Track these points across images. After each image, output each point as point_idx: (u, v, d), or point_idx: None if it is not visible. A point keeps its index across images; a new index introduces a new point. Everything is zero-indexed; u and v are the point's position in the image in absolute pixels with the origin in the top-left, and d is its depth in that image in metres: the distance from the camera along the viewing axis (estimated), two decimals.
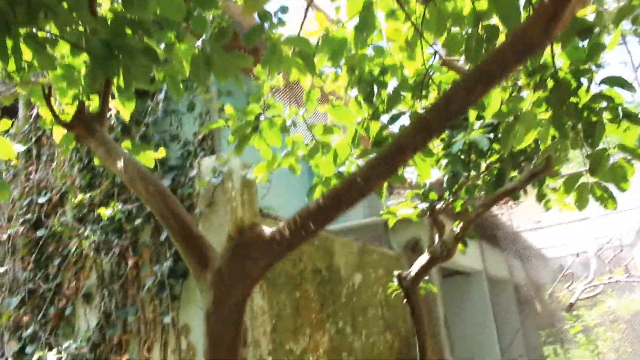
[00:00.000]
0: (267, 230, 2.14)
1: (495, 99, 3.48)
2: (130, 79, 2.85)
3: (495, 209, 11.72)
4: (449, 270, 10.68)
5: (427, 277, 7.41)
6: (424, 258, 6.71)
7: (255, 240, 2.13)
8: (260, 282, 5.09)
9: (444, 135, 6.44)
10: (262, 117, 3.76)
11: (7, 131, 7.11)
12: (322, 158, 3.63)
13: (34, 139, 6.96)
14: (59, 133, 3.79)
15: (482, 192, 6.39)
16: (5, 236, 6.80)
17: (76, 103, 3.41)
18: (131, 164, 2.78)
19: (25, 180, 6.87)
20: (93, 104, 3.48)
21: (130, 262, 5.48)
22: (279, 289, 5.35)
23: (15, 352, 6.17)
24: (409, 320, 7.37)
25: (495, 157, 6.03)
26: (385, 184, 6.21)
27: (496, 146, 6.06)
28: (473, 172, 6.37)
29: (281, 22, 2.97)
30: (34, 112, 7.09)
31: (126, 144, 3.69)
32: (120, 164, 2.81)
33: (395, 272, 6.91)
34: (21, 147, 6.88)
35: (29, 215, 6.58)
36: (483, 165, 6.15)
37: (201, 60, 3.01)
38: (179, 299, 5.16)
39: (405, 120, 3.47)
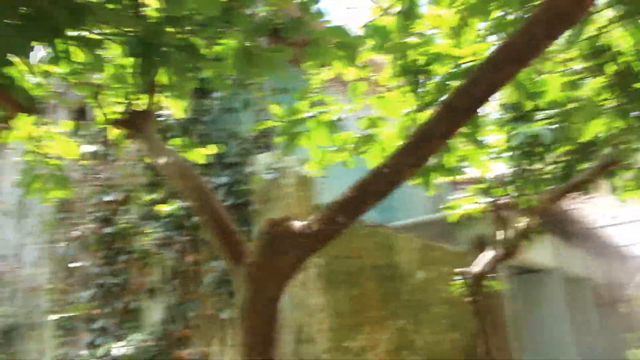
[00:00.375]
0: (297, 224, 2.10)
1: (554, 85, 3.29)
2: (172, 75, 2.88)
3: (570, 204, 11.20)
4: (520, 268, 10.27)
5: (492, 275, 7.16)
6: (487, 255, 6.48)
7: (284, 234, 2.09)
8: (317, 279, 5.06)
9: (507, 128, 6.20)
10: (309, 115, 3.71)
11: (77, 132, 7.43)
12: (370, 151, 3.55)
13: (101, 140, 7.23)
14: (113, 132, 3.91)
15: (550, 186, 6.10)
16: (78, 233, 7.11)
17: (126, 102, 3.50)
18: (173, 160, 2.81)
19: (95, 179, 7.15)
20: (142, 102, 3.55)
21: (190, 259, 5.59)
22: (337, 286, 5.30)
23: (87, 343, 6.45)
24: (477, 321, 7.15)
25: (562, 148, 5.73)
26: (448, 179, 6.04)
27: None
28: (538, 165, 6.09)
29: (319, 14, 2.92)
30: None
31: (176, 141, 3.75)
32: (163, 160, 2.85)
33: (459, 270, 6.72)
34: (90, 148, 7.17)
35: (98, 213, 6.85)
36: (549, 158, 5.87)
37: (242, 56, 3.00)
38: (235, 295, 5.21)
39: None
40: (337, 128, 3.66)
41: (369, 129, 3.46)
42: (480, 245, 8.65)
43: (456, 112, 1.64)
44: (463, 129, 3.34)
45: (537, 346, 10.14)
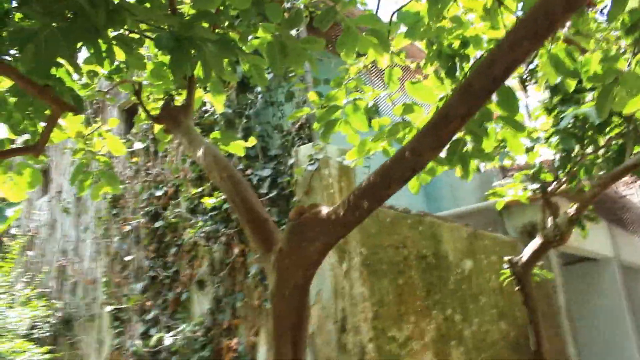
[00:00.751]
0: (324, 211, 2.12)
1: (594, 60, 3.19)
2: (208, 69, 2.95)
3: (625, 189, 10.82)
4: (573, 257, 10.01)
5: (542, 263, 7.01)
6: (536, 242, 6.34)
7: (311, 221, 2.12)
8: (360, 268, 5.08)
9: (555, 113, 6.06)
10: (345, 102, 3.73)
11: (128, 131, 7.65)
12: (407, 137, 3.53)
13: (151, 137, 7.44)
14: (157, 127, 4.03)
15: (602, 171, 5.92)
16: (130, 228, 7.36)
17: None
18: (209, 152, 2.88)
19: (145, 175, 7.37)
20: (181, 97, 3.65)
21: (236, 250, 5.70)
22: (381, 275, 5.31)
23: (140, 333, 6.68)
24: (527, 310, 7.00)
25: (615, 131, 5.55)
26: (488, 164, 5.95)
27: (616, 119, 5.57)
28: (589, 149, 5.92)
29: (352, 2, 2.93)
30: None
31: (215, 134, 3.84)
32: (199, 152, 2.93)
33: (506, 258, 6.61)
34: (140, 145, 7.39)
35: (148, 208, 7.06)
36: (601, 141, 5.69)
37: (276, 48, 3.04)
38: None
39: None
40: (374, 114, 3.66)
41: (404, 115, 3.44)
42: (530, 233, 8.48)
43: (475, 93, 1.63)
44: (500, 112, 3.29)
45: (592, 339, 9.86)
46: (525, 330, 7.33)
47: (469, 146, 3.35)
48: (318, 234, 2.08)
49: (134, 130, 7.86)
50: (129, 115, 8.42)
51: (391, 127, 3.49)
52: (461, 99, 1.66)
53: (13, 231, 10.72)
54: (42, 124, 3.88)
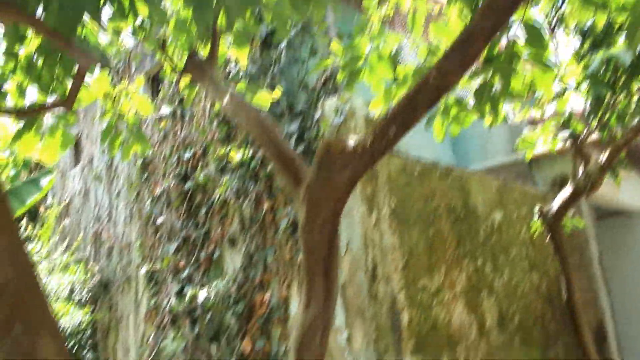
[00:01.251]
0: (351, 142, 2.14)
1: None
2: (231, 18, 2.95)
3: None
4: (606, 211, 9.85)
5: (574, 213, 6.94)
6: (566, 192, 6.28)
7: (338, 152, 2.14)
8: (390, 218, 5.10)
9: (586, 60, 5.92)
10: (368, 50, 3.70)
11: (154, 95, 7.72)
12: None
13: (177, 101, 7.51)
14: (182, 81, 4.06)
15: (636, 118, 5.80)
16: (161, 191, 7.49)
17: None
18: (234, 98, 2.91)
19: (173, 139, 7.46)
20: (205, 50, 3.66)
21: (266, 206, 5.77)
22: (411, 226, 5.33)
23: (175, 292, 6.85)
24: (557, 260, 6.98)
25: None
26: (524, 114, 5.86)
27: None
28: (622, 96, 5.79)
29: None
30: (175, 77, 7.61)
31: (241, 84, 3.86)
32: (225, 99, 2.96)
33: (536, 208, 6.57)
34: (168, 109, 7.47)
35: (178, 170, 7.17)
36: (634, 87, 5.56)
37: None
38: None
39: (518, 33, 3.22)
40: (397, 61, 3.64)
41: (428, 58, 3.41)
42: (560, 186, 8.38)
43: (499, 8, 1.61)
44: (529, 50, 3.24)
45: (625, 291, 9.77)
46: (557, 282, 7.31)
47: (498, 88, 3.31)
48: (346, 165, 2.10)
49: (160, 96, 7.93)
50: (154, 82, 8.49)
51: (416, 69, 3.46)
52: (485, 15, 1.64)
53: (49, 201, 11.01)
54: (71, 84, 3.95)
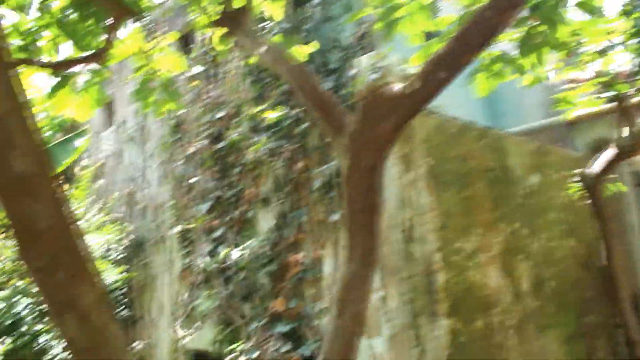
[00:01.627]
0: (397, 86, 2.04)
1: None
2: None
3: None
4: None
5: (614, 176, 6.73)
6: (608, 153, 6.09)
7: (383, 98, 2.04)
8: (426, 178, 5.00)
9: (636, 15, 5.66)
10: None
11: (186, 55, 7.65)
12: None
13: (209, 60, 7.43)
14: (216, 36, 3.97)
15: None
16: (193, 151, 7.49)
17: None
18: (272, 48, 2.82)
19: (205, 98, 7.41)
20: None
21: (300, 166, 5.71)
22: (447, 187, 5.22)
23: (208, 251, 6.89)
24: (595, 226, 6.81)
25: None
26: (561, 70, 5.64)
27: None
28: None
29: None
30: (205, 36, 7.53)
31: (276, 37, 3.76)
32: (262, 49, 2.87)
33: (576, 170, 6.39)
34: (199, 68, 7.40)
35: (210, 130, 7.14)
36: None
37: None
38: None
39: None
40: (437, 10, 3.49)
41: (471, 6, 3.26)
42: (599, 149, 8.14)
43: None
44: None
45: None
46: (594, 248, 7.16)
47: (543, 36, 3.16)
48: (391, 110, 2.01)
49: (192, 55, 7.86)
50: (185, 42, 8.42)
51: (460, 17, 3.31)
52: None
53: (83, 162, 11.14)
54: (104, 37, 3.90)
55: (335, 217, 5.30)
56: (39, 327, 8.12)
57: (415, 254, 4.85)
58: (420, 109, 2.06)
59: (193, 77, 7.70)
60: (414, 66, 4.14)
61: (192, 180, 7.45)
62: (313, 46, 3.84)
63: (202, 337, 6.99)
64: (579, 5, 3.11)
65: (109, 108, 10.75)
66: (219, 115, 7.02)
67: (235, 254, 6.15)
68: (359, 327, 2.15)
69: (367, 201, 2.16)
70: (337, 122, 2.28)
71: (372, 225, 2.16)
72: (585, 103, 5.65)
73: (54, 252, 1.80)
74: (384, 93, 2.08)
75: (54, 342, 7.89)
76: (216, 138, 7.06)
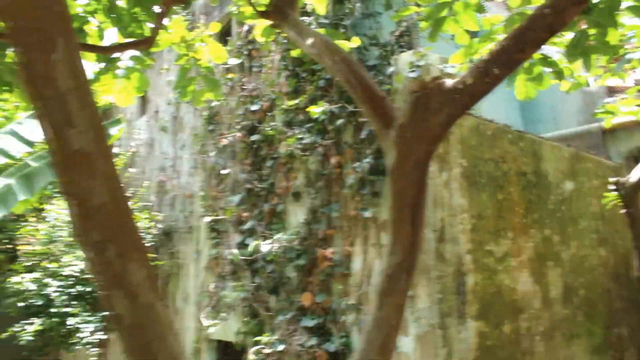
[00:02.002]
0: (449, 81, 2.03)
1: None
2: None
3: None
4: None
5: None
6: None
7: (436, 91, 2.04)
8: (460, 179, 4.98)
9: None
10: None
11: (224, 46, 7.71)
12: None
13: (245, 53, 7.48)
14: (259, 27, 4.00)
15: None
16: (226, 142, 7.54)
17: None
18: (319, 39, 2.83)
19: (240, 91, 7.46)
20: None
21: (333, 161, 5.72)
22: (480, 188, 5.19)
23: (237, 243, 6.94)
24: (628, 237, 6.69)
25: None
26: (601, 77, 5.56)
27: None
28: None
29: None
30: (244, 28, 7.58)
31: (321, 30, 3.77)
32: (309, 40, 2.89)
33: (612, 179, 6.28)
34: (236, 61, 7.45)
35: (244, 122, 7.19)
36: None
37: None
38: (379, 195, 5.28)
39: None
40: (484, 10, 3.47)
41: (521, 6, 3.23)
42: (636, 159, 8.00)
43: None
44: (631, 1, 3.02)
45: None
46: (626, 259, 7.04)
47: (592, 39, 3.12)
48: (442, 104, 2.01)
49: (228, 48, 7.92)
50: (222, 35, 8.48)
51: (508, 18, 3.29)
52: None
53: (116, 150, 11.31)
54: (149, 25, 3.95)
55: (367, 214, 5.30)
56: (67, 309, 8.28)
57: (446, 255, 4.83)
58: (472, 105, 2.05)
59: (229, 70, 7.76)
60: (454, 65, 4.13)
61: (223, 172, 7.51)
62: (354, 41, 3.84)
63: (227, 328, 7.05)
64: (629, 9, 3.06)
65: (142, 97, 10.89)
66: (253, 108, 7.06)
67: (265, 246, 6.19)
68: (399, 320, 2.16)
69: (413, 195, 2.16)
70: (385, 115, 2.28)
71: (417, 218, 2.16)
72: (627, 112, 5.54)
73: (106, 228, 1.84)
74: (436, 87, 2.07)
75: (82, 325, 8.03)
76: (250, 130, 7.10)
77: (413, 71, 5.01)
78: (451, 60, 3.95)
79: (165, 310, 1.91)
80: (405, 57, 5.24)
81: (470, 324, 4.77)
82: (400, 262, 2.13)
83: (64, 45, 1.81)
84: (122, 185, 1.93)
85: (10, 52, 3.95)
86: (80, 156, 1.76)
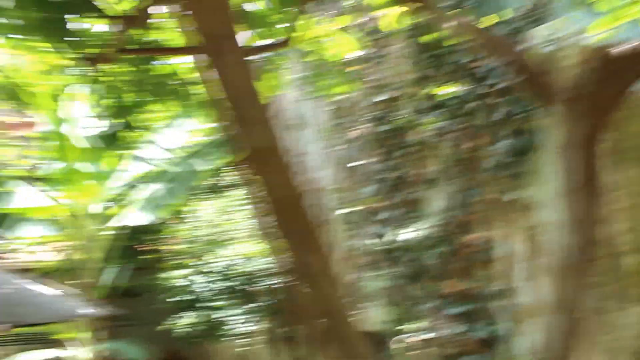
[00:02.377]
0: (623, 48, 1.90)
1: None
2: None
3: None
4: None
5: None
6: None
7: (606, 61, 1.92)
8: (611, 154, 4.66)
9: None
10: None
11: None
12: None
13: (369, 43, 7.47)
14: (391, 15, 3.99)
15: None
16: (356, 134, 7.60)
17: None
18: (464, 21, 2.78)
19: (366, 82, 7.47)
20: None
21: (469, 146, 5.60)
22: (634, 164, 4.83)
23: (372, 233, 6.99)
24: None
25: None
26: None
27: None
28: None
29: None
30: (365, 19, 7.56)
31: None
32: (455, 22, 2.84)
33: None
34: (360, 52, 7.47)
35: (372, 113, 7.20)
36: None
37: None
38: (519, 177, 5.09)
39: None
40: None
41: None
42: None
43: None
44: None
45: None
46: None
47: None
48: (614, 74, 1.89)
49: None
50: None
51: None
52: None
53: None
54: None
55: (510, 196, 5.13)
56: (214, 303, 8.77)
57: (599, 235, 4.55)
58: None
59: (352, 62, 7.79)
60: (596, 34, 3.86)
61: (354, 164, 7.57)
62: (494, 18, 3.71)
63: (369, 318, 7.12)
64: None
65: None
66: (380, 98, 7.06)
67: (402, 236, 6.18)
68: (583, 302, 2.08)
69: (587, 170, 2.06)
70: (547, 89, 2.19)
71: (593, 196, 2.06)
72: None
73: (286, 219, 1.92)
74: (606, 56, 1.96)
75: (228, 318, 8.48)
76: (378, 120, 7.10)
77: (549, 45, 4.76)
78: (590, 29, 3.70)
79: (344, 300, 1.96)
80: (539, 31, 4.99)
81: (633, 308, 4.47)
82: (587, 238, 2.05)
83: (233, 48, 1.92)
84: (297, 177, 2.01)
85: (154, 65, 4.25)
86: (262, 152, 1.86)
